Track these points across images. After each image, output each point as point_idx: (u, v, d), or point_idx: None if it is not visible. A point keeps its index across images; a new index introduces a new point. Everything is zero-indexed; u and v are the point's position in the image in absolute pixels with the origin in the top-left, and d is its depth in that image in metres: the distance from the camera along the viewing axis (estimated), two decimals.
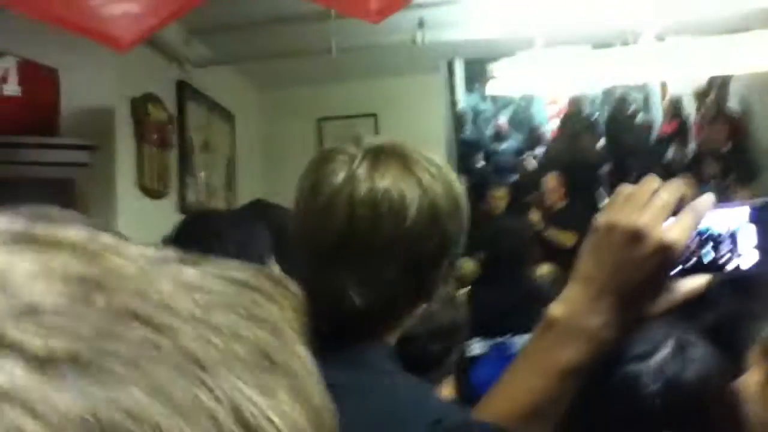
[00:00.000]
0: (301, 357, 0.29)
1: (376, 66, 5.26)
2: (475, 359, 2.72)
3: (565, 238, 5.00)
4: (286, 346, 0.28)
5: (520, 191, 6.51)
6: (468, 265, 3.64)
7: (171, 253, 0.30)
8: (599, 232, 0.68)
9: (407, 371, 0.88)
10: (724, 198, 0.71)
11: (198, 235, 1.37)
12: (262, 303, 0.28)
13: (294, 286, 0.32)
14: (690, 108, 8.25)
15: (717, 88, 7.60)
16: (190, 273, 0.28)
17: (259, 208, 1.76)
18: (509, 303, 2.73)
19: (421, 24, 4.22)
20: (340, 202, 0.83)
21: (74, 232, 0.27)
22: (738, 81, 7.42)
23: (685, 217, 0.66)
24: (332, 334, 0.83)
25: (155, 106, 4.04)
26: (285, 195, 1.07)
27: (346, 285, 0.83)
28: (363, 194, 0.82)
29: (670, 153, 7.48)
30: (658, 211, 0.65)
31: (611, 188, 7.37)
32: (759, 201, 0.69)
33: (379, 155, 0.85)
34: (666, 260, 0.65)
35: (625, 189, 0.68)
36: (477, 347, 2.78)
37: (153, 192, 4.03)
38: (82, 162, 3.19)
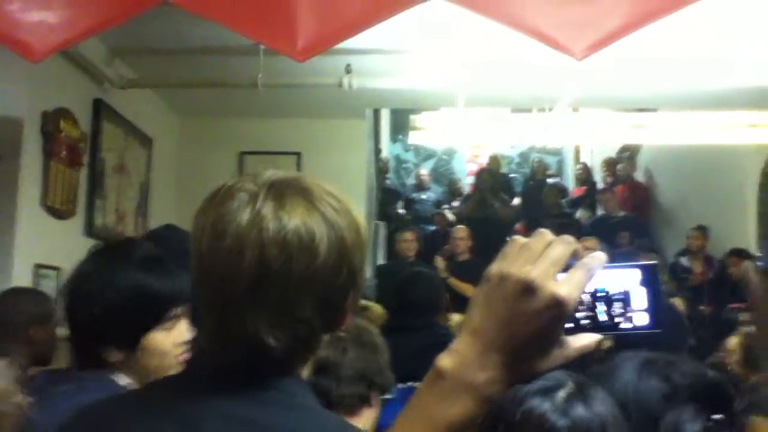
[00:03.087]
0: None
1: (303, 106, 5.28)
2: (383, 401, 2.70)
3: (467, 289, 5.17)
4: None
5: (435, 240, 6.62)
6: (376, 309, 3.64)
7: None
8: (491, 282, 0.66)
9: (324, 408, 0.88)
10: (629, 260, 0.73)
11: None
12: None
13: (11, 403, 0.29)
14: (598, 175, 8.70)
15: (626, 158, 8.06)
16: None
17: (172, 232, 1.72)
18: (419, 348, 2.73)
19: (348, 69, 4.29)
20: (248, 244, 0.80)
21: None
22: (644, 154, 7.90)
23: (578, 273, 0.65)
24: (245, 370, 0.83)
25: (68, 122, 3.90)
26: None
27: (259, 328, 0.81)
28: (272, 235, 0.80)
29: (578, 215, 7.82)
30: (551, 264, 0.64)
31: None
32: (649, 264, 0.71)
33: (282, 192, 0.83)
34: (558, 315, 0.63)
35: (519, 240, 0.67)
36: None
37: (58, 211, 3.85)
38: None
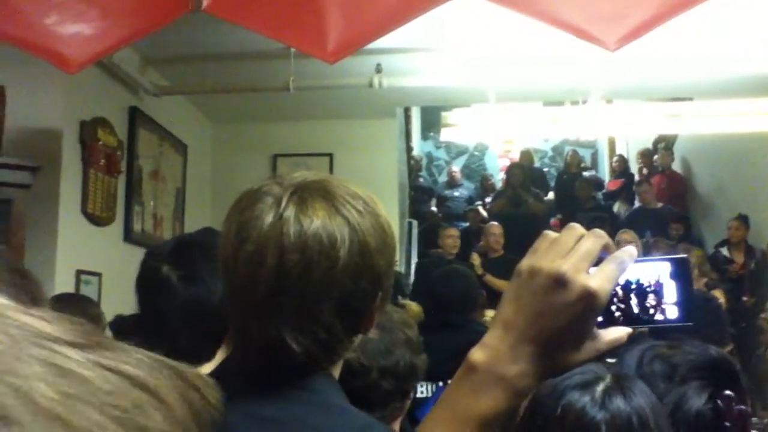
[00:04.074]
0: None
1: (334, 107, 5.31)
2: (418, 401, 2.70)
3: (503, 285, 5.14)
4: None
5: (468, 237, 6.59)
6: (412, 308, 3.64)
7: (65, 330, 0.27)
8: (521, 276, 0.66)
9: (353, 404, 0.88)
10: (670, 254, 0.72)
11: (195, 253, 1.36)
12: (146, 407, 0.26)
13: (214, 393, 0.29)
14: (634, 166, 8.56)
15: (662, 149, 7.91)
16: (72, 357, 0.25)
17: (212, 234, 1.75)
18: (455, 346, 2.73)
19: (378, 69, 4.30)
20: (269, 249, 0.80)
21: None
22: (680, 144, 7.75)
23: (609, 266, 0.65)
24: (271, 372, 0.84)
25: (105, 131, 3.98)
26: None
27: (282, 332, 0.81)
28: (293, 239, 0.80)
29: (615, 209, 7.71)
30: (582, 257, 0.64)
31: None
32: (679, 257, 0.71)
33: (304, 196, 0.83)
34: (589, 308, 0.63)
35: (549, 235, 0.67)
36: (421, 389, 2.77)
37: (98, 218, 3.94)
38: (24, 183, 3.11)
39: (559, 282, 0.63)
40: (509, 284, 0.68)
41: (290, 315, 0.82)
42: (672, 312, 0.69)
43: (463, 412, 0.66)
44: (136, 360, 0.27)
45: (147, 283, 1.33)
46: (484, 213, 7.62)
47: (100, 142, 3.92)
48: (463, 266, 4.19)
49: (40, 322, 0.26)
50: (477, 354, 0.67)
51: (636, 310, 0.69)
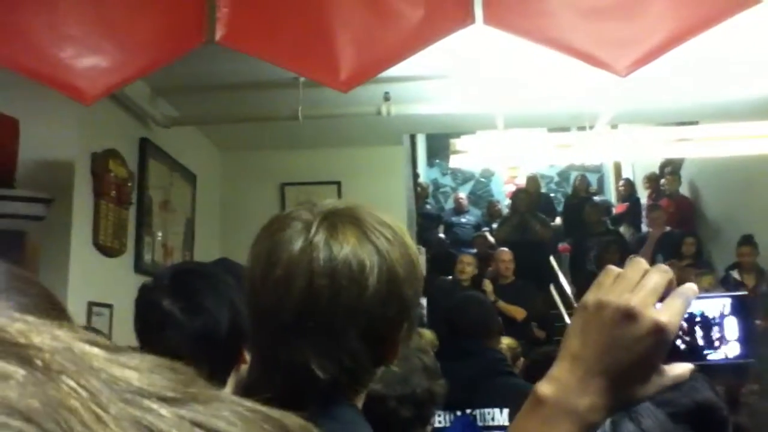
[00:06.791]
0: None
1: (342, 135, 5.34)
2: (437, 431, 2.67)
3: (515, 312, 5.13)
4: None
5: (478, 264, 6.58)
6: (426, 335, 3.62)
7: (154, 382, 0.26)
8: (588, 310, 0.66)
9: None
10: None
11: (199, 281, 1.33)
12: None
13: None
14: (641, 191, 8.56)
15: (669, 173, 7.91)
16: (164, 416, 0.24)
17: (226, 265, 1.74)
18: (472, 374, 2.70)
19: (386, 97, 4.33)
20: (298, 273, 0.80)
21: None
22: (687, 167, 7.76)
23: (676, 301, 0.65)
24: (298, 400, 0.83)
25: (116, 162, 4.01)
26: (244, 258, 1.06)
27: (308, 358, 0.81)
28: (322, 264, 0.80)
29: (622, 233, 7.69)
30: (650, 292, 0.64)
31: (572, 265, 7.46)
32: (740, 294, 0.71)
33: (335, 222, 0.83)
34: (659, 342, 0.63)
35: (613, 270, 0.68)
36: (439, 419, 2.74)
37: (108, 249, 3.94)
38: (38, 215, 3.13)
39: (629, 316, 0.64)
40: (574, 318, 0.69)
41: (316, 340, 0.81)
42: (734, 348, 0.69)
43: None
44: (232, 413, 0.26)
45: (148, 319, 1.30)
46: (492, 239, 7.62)
47: (112, 174, 3.94)
48: (479, 292, 4.17)
49: (130, 372, 0.25)
50: (545, 387, 0.66)
51: (701, 342, 0.70)
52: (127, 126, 4.27)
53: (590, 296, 0.67)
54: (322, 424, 0.82)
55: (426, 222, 8.30)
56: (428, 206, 9.19)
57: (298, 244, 0.82)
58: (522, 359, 3.86)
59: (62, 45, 2.43)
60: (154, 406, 0.24)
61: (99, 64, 2.44)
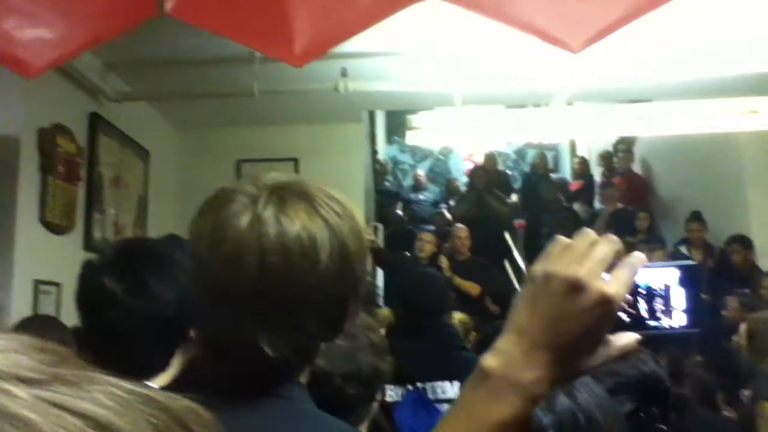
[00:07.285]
0: None
1: (299, 111, 5.28)
2: (389, 405, 2.69)
3: (471, 287, 5.19)
4: None
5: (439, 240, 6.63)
6: (383, 312, 3.64)
7: (17, 363, 0.25)
8: (536, 282, 0.65)
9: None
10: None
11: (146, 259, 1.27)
12: None
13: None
14: (595, 168, 8.71)
15: (622, 151, 8.06)
16: (19, 396, 0.23)
17: (175, 242, 1.69)
18: (425, 350, 2.73)
19: (344, 73, 4.29)
20: (248, 250, 0.77)
21: None
22: (640, 145, 7.91)
23: (624, 271, 0.65)
24: (247, 379, 0.82)
25: (65, 138, 3.89)
26: None
27: (257, 337, 0.79)
28: (273, 240, 0.78)
29: (576, 210, 7.83)
30: (598, 263, 0.64)
31: (527, 242, 7.56)
32: (689, 264, 0.71)
33: (283, 196, 0.81)
34: (606, 314, 0.63)
35: (562, 240, 0.67)
36: (391, 393, 2.76)
37: (57, 227, 3.84)
38: None
39: (576, 287, 0.63)
40: (522, 289, 0.68)
41: (268, 319, 0.79)
42: (680, 318, 0.69)
43: (480, 418, 0.64)
44: (103, 395, 0.24)
45: (90, 298, 1.24)
46: (450, 216, 7.67)
47: (60, 149, 3.83)
48: (434, 269, 4.20)
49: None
50: (490, 360, 0.65)
51: (645, 314, 0.69)
52: (76, 100, 4.14)
53: (538, 267, 0.66)
54: (267, 403, 0.81)
55: (384, 199, 8.31)
56: (387, 183, 9.19)
57: (245, 219, 0.79)
58: (474, 333, 3.91)
59: (4, 16, 2.33)
60: (9, 386, 0.23)
61: (44, 36, 2.35)
